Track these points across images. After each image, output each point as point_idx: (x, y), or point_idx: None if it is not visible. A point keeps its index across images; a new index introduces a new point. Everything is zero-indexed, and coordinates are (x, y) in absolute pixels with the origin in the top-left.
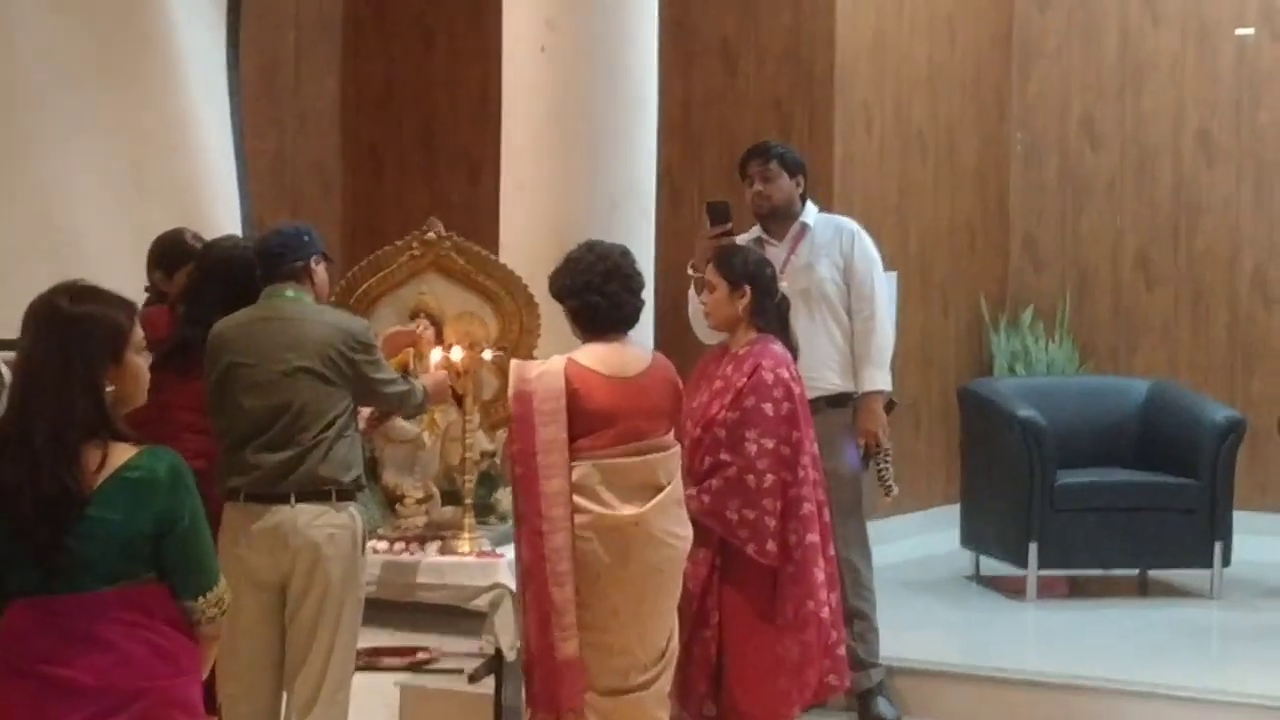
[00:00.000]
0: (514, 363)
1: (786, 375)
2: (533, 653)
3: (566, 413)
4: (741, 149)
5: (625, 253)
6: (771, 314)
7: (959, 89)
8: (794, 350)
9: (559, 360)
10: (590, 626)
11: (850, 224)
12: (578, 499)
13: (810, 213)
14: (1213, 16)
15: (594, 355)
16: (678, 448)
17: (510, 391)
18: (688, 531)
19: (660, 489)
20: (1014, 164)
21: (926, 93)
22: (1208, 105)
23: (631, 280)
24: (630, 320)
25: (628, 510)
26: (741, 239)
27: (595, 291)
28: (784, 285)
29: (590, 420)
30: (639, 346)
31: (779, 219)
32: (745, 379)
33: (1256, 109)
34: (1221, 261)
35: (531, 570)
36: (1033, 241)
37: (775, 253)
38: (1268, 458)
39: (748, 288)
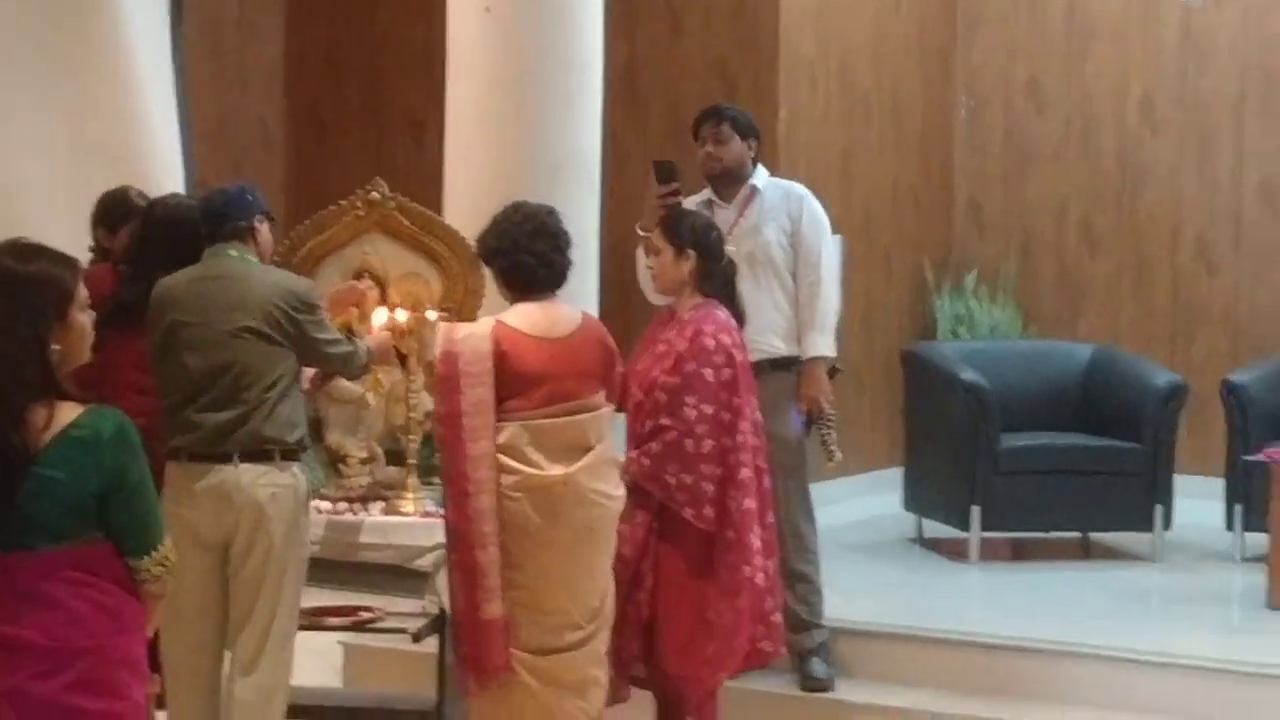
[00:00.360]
0: (441, 325)
1: (728, 341)
2: (459, 614)
3: (495, 374)
4: (686, 111)
5: (551, 212)
6: (717, 279)
7: (904, 52)
8: (739, 316)
9: (487, 322)
10: (521, 586)
11: (800, 189)
12: (507, 460)
13: (761, 176)
14: None
15: (522, 316)
16: (609, 408)
17: (436, 354)
18: (619, 491)
19: (589, 449)
20: (958, 128)
21: (871, 56)
22: (1152, 72)
23: (558, 239)
24: (558, 279)
25: (556, 470)
26: (691, 201)
27: (523, 251)
28: (731, 249)
29: (519, 381)
30: (568, 306)
31: (729, 182)
32: (687, 344)
33: (1200, 77)
34: (1164, 228)
35: (457, 532)
36: (977, 206)
37: (724, 215)
38: (1208, 422)
39: (693, 252)
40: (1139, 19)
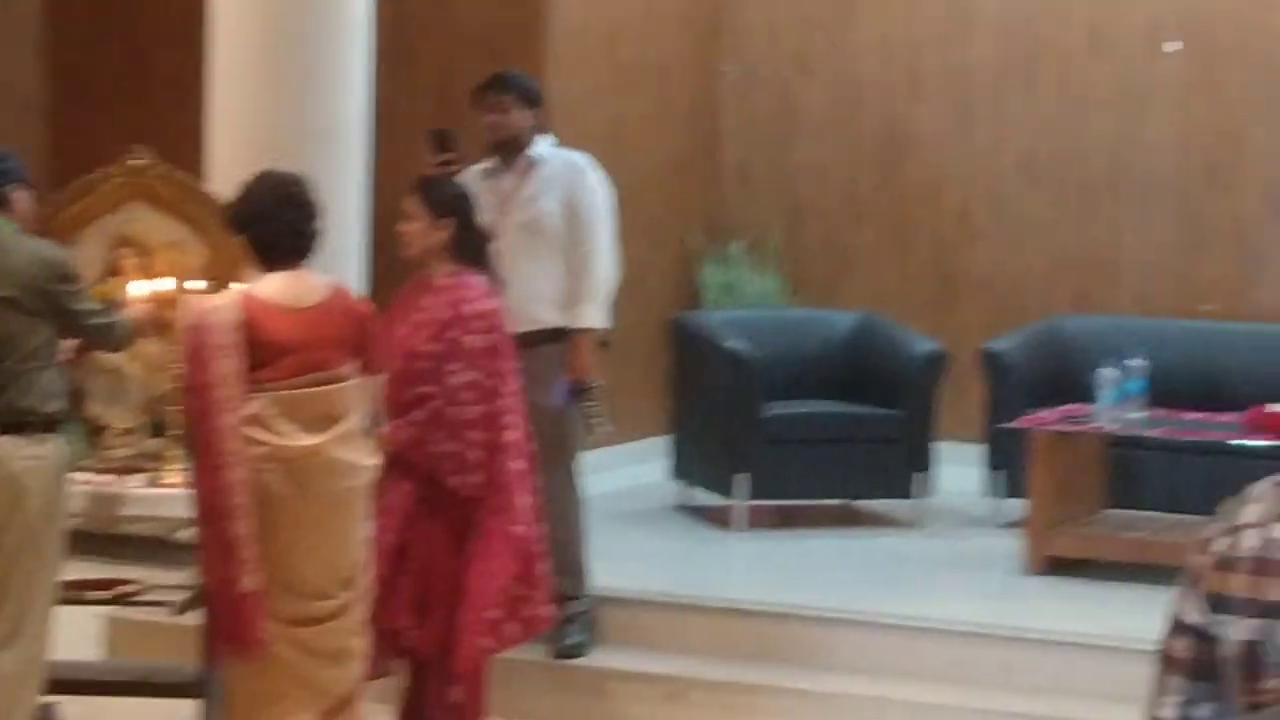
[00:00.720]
0: (187, 297)
1: (490, 307)
2: (214, 588)
3: (243, 345)
4: (456, 79)
5: (299, 180)
6: (471, 246)
7: (672, 21)
8: (498, 284)
9: (234, 292)
10: (273, 558)
11: (582, 159)
12: (256, 431)
13: (543, 146)
14: None
15: (271, 286)
16: (361, 379)
17: (183, 326)
18: (371, 462)
19: (340, 419)
20: (725, 97)
21: (639, 25)
22: (917, 42)
23: (307, 208)
24: (307, 249)
25: (306, 441)
26: (475, 169)
27: (270, 220)
28: (508, 219)
29: (268, 352)
30: (318, 276)
31: (511, 150)
32: (449, 311)
33: (964, 47)
34: (927, 196)
35: (210, 506)
36: (744, 175)
37: (504, 184)
38: (969, 389)
39: (449, 219)
40: None
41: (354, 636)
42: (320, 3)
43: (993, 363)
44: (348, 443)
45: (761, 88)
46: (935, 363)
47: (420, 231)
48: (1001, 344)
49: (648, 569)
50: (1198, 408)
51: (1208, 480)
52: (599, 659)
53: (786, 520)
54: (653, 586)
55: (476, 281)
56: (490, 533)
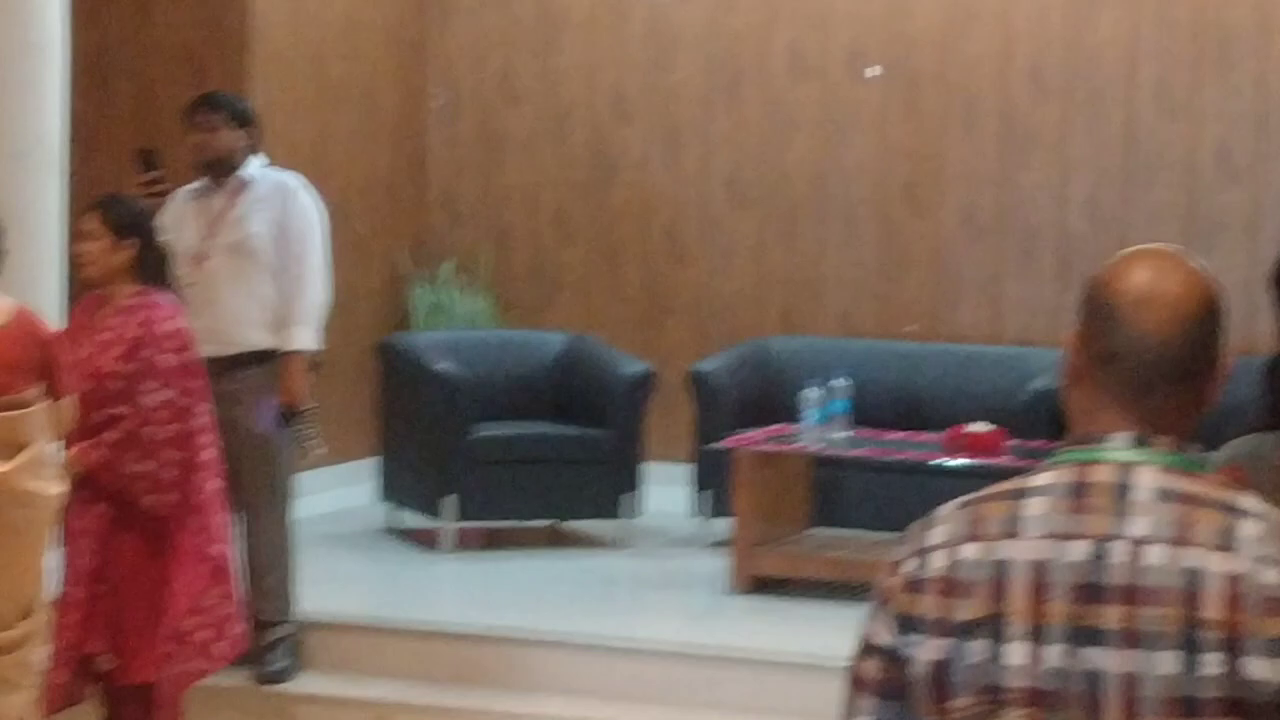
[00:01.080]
0: None
1: (180, 326)
2: None
3: None
4: (157, 98)
5: None
6: (154, 266)
7: (378, 41)
8: (180, 304)
9: None
10: None
11: (293, 181)
12: None
13: (254, 167)
14: None
15: None
16: (47, 403)
17: None
18: (55, 490)
19: (25, 446)
20: (433, 119)
21: (345, 45)
22: (621, 64)
23: None
24: None
25: None
26: (184, 190)
27: None
28: (217, 240)
29: None
30: (1, 298)
31: (221, 171)
32: (140, 330)
33: (668, 70)
34: (635, 218)
35: None
36: (452, 195)
37: (214, 205)
38: (677, 410)
39: (132, 239)
40: (608, 11)
41: (21, 674)
42: (12, 22)
43: (700, 383)
44: (33, 471)
45: (468, 109)
46: (643, 383)
47: (102, 251)
48: (708, 365)
49: (354, 592)
50: (899, 427)
51: (909, 499)
52: (304, 684)
53: (495, 541)
54: (359, 610)
55: (165, 300)
56: (187, 553)
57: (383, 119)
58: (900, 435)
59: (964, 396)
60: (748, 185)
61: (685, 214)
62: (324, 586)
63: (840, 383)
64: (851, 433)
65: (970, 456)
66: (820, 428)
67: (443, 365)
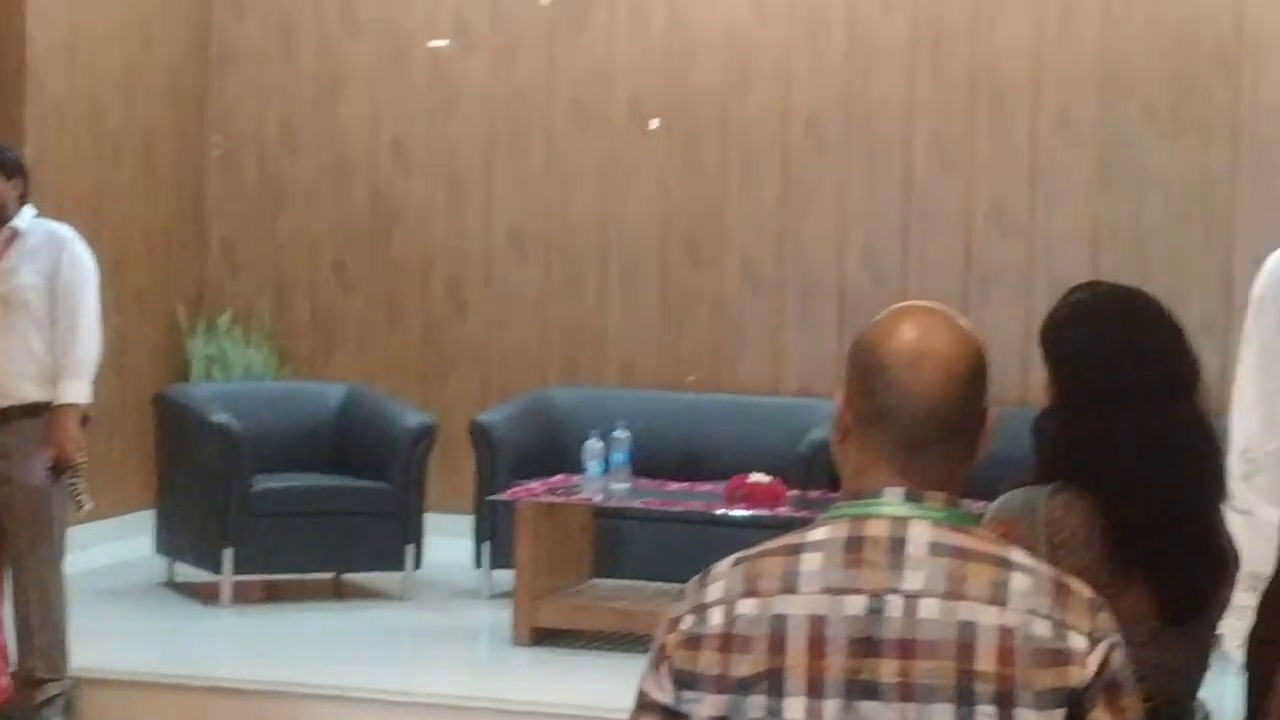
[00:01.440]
0: None
1: None
2: None
3: None
4: None
5: None
6: None
7: (157, 92)
8: None
9: None
10: None
11: (65, 232)
12: None
13: (25, 217)
14: (407, 28)
15: None
16: None
17: None
18: None
19: None
20: (212, 168)
21: (123, 94)
22: (403, 116)
23: None
24: None
25: None
26: None
27: None
28: None
29: None
30: None
31: None
32: None
33: (449, 121)
34: (417, 269)
35: None
36: (231, 246)
37: None
38: (459, 461)
39: None
40: (389, 62)
41: None
42: None
43: (481, 434)
44: None
45: (248, 159)
46: (424, 435)
47: None
48: (490, 416)
49: (131, 647)
50: (681, 478)
51: (691, 549)
52: None
53: (275, 595)
54: (136, 665)
55: None
56: None
57: (161, 169)
58: (681, 486)
59: (745, 447)
60: (530, 236)
61: (467, 264)
62: (100, 641)
63: (621, 433)
64: (632, 484)
65: (750, 507)
66: (602, 479)
67: (221, 417)
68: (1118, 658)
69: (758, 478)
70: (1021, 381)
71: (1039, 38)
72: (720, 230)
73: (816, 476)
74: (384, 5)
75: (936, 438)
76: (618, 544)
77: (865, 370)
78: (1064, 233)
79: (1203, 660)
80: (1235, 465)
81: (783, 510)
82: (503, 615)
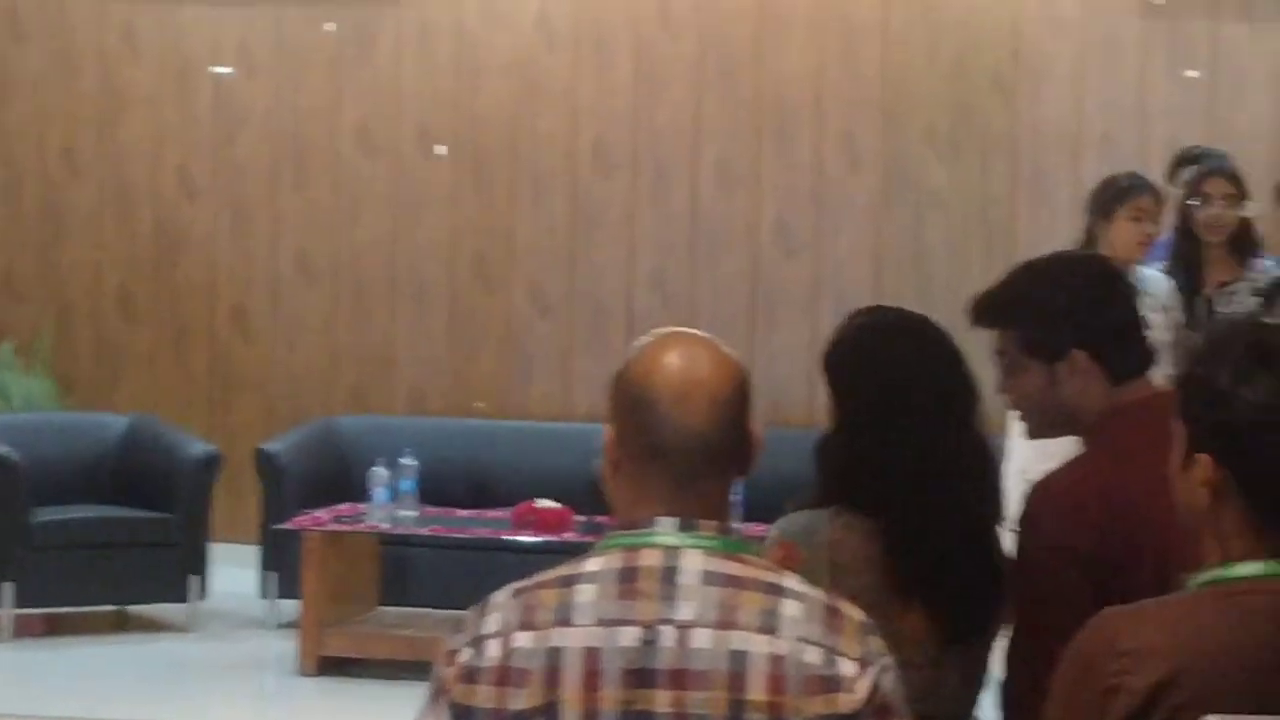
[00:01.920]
0: None
1: None
2: None
3: None
4: None
5: None
6: None
7: None
8: None
9: None
10: None
11: None
12: None
13: None
14: (191, 54)
15: None
16: None
17: None
18: None
19: None
20: None
21: None
22: (187, 140)
23: None
24: None
25: None
26: None
27: None
28: None
29: None
30: None
31: None
32: None
33: (234, 146)
34: (202, 295)
35: None
36: (10, 274)
37: None
38: (245, 490)
39: None
40: (172, 87)
41: None
42: None
43: (267, 463)
44: None
45: (28, 184)
46: (209, 464)
47: None
48: (276, 444)
49: None
50: (471, 505)
51: (479, 576)
52: None
53: (56, 628)
54: None
55: None
56: None
57: None
58: (470, 513)
59: (534, 473)
60: (317, 262)
61: (253, 291)
62: None
63: (408, 461)
64: (420, 511)
65: (538, 533)
66: (388, 506)
67: None
68: (888, 681)
69: (545, 504)
70: (808, 402)
71: (822, 62)
72: (509, 255)
73: (605, 502)
74: (166, 29)
75: (707, 468)
76: (405, 572)
77: (634, 405)
78: (848, 253)
79: (980, 679)
80: (1012, 486)
81: (570, 535)
82: (289, 645)
